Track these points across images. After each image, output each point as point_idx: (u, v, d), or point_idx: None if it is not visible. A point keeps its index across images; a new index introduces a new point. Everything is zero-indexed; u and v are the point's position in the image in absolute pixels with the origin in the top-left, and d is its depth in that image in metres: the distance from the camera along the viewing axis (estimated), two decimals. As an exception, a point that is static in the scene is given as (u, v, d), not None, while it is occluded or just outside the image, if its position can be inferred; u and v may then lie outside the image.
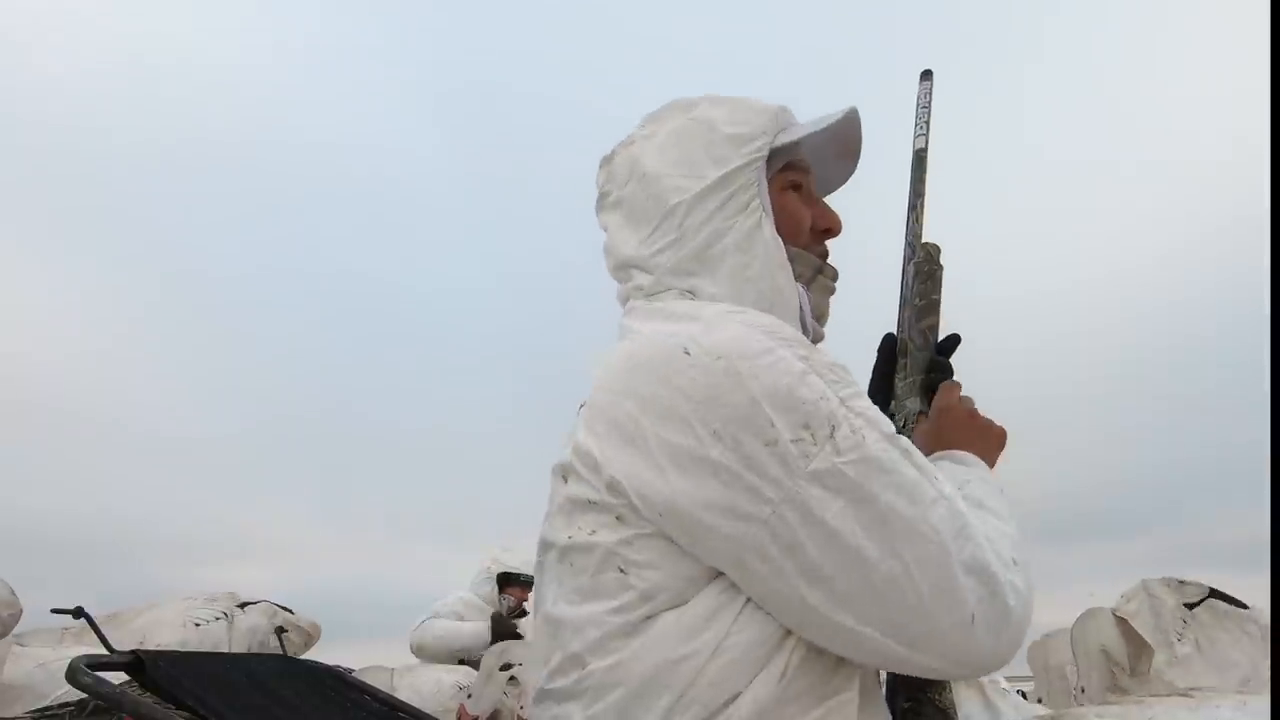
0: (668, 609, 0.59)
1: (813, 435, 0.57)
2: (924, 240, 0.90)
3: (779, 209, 0.78)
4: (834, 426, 0.57)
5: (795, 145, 0.80)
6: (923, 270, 0.88)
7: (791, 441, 0.56)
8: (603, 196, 0.86)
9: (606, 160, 0.86)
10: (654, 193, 0.79)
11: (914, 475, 0.58)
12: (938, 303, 0.87)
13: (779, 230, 0.77)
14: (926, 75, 0.97)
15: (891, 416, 0.84)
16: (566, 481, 0.66)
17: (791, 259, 0.77)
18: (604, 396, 0.65)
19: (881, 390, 0.88)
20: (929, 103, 0.96)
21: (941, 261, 0.89)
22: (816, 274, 0.80)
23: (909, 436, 0.82)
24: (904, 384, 0.86)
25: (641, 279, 0.78)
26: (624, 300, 0.81)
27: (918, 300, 0.87)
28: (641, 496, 0.59)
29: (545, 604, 0.67)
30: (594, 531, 0.62)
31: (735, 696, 0.57)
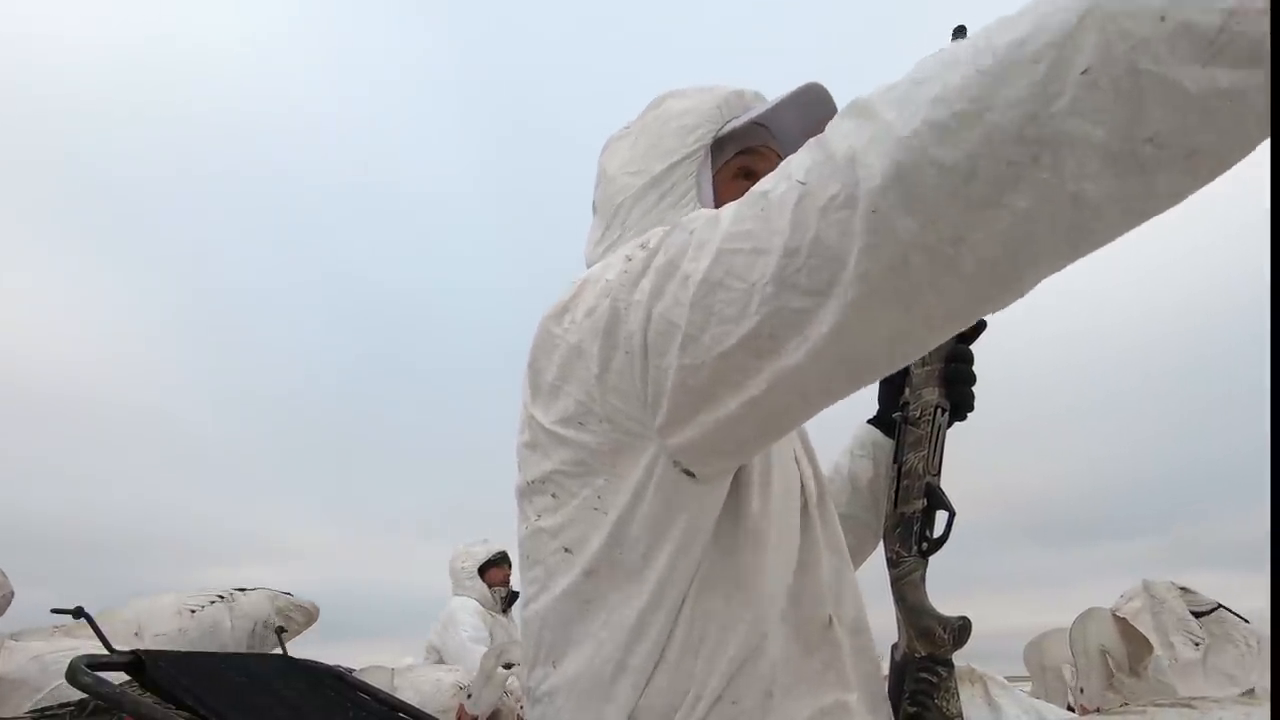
0: (613, 589, 0.60)
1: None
2: None
3: (723, 199, 0.73)
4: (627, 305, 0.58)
5: (755, 130, 0.77)
6: None
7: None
8: (593, 197, 0.85)
9: (599, 157, 0.85)
10: (609, 194, 0.79)
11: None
12: None
13: None
14: (960, 32, 0.84)
15: (905, 406, 0.83)
16: (520, 472, 0.68)
17: None
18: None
19: (894, 376, 0.84)
20: None
21: None
22: None
23: (926, 430, 0.81)
24: (921, 371, 0.82)
25: None
26: None
27: None
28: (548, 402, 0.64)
29: (522, 605, 0.68)
30: (539, 516, 0.64)
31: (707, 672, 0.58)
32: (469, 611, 3.34)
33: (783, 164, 0.52)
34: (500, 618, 3.51)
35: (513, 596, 3.54)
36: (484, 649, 3.13)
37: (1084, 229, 0.40)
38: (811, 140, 0.50)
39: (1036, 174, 0.39)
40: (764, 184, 0.52)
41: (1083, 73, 0.37)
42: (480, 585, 3.47)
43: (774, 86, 0.79)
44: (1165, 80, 0.36)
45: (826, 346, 0.47)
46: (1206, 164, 0.37)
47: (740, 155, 0.78)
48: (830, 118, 0.75)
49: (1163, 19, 0.35)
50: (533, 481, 0.65)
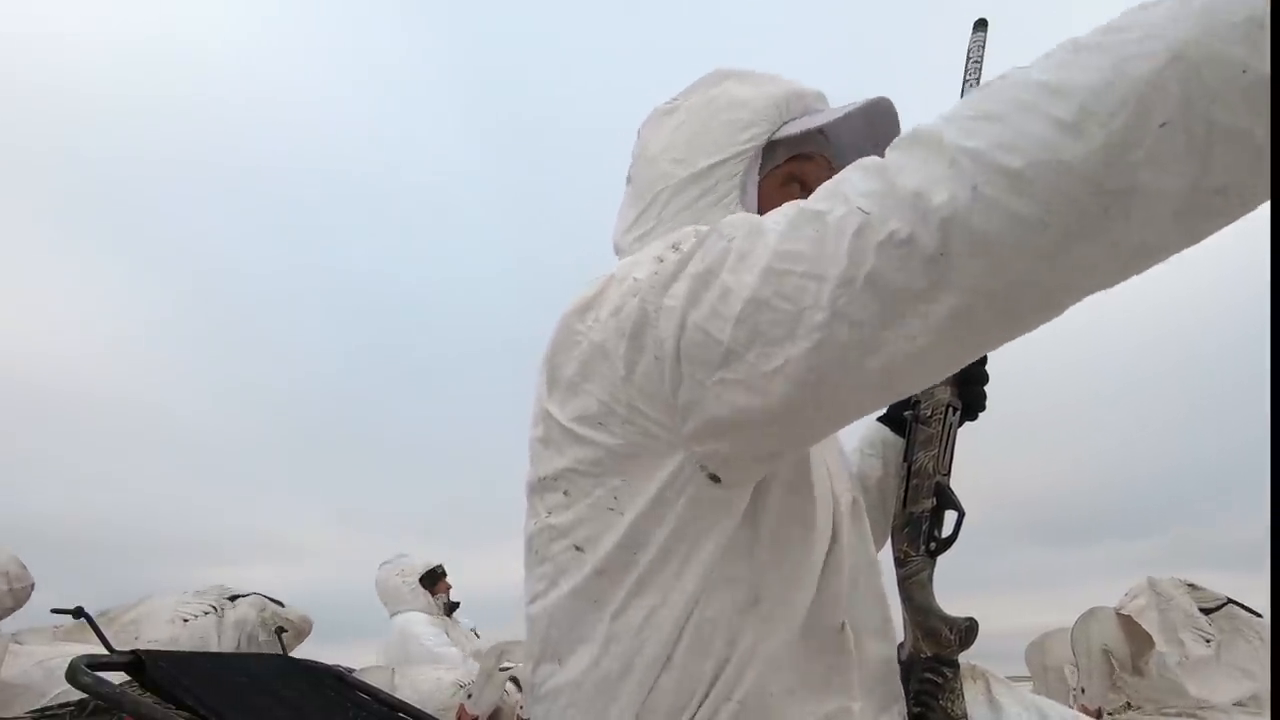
0: (625, 589, 0.59)
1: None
2: None
3: (768, 204, 0.70)
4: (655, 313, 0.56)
5: (810, 136, 0.74)
6: None
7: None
8: (628, 169, 0.81)
9: (640, 128, 0.81)
10: (649, 176, 0.75)
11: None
12: None
13: None
14: (980, 25, 0.85)
15: (916, 404, 0.82)
16: (532, 466, 0.67)
17: None
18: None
19: None
20: (981, 57, 0.83)
21: None
22: None
23: (937, 429, 0.80)
24: None
25: None
26: None
27: None
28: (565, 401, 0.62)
29: (528, 601, 0.67)
30: (550, 513, 0.63)
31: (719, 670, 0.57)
32: (422, 623, 3.33)
33: (834, 181, 0.50)
34: (449, 621, 3.50)
35: (453, 605, 3.55)
36: (454, 650, 3.12)
37: (1134, 269, 0.42)
38: (868, 163, 0.48)
39: (1106, 224, 0.39)
40: (817, 203, 0.49)
41: (1161, 125, 0.36)
42: (425, 596, 3.45)
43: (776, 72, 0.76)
44: (1237, 132, 0.36)
45: (875, 375, 0.47)
46: (1258, 202, 0.38)
47: (791, 161, 0.74)
48: (893, 134, 0.72)
49: (1244, 71, 0.35)
50: (545, 478, 0.64)
